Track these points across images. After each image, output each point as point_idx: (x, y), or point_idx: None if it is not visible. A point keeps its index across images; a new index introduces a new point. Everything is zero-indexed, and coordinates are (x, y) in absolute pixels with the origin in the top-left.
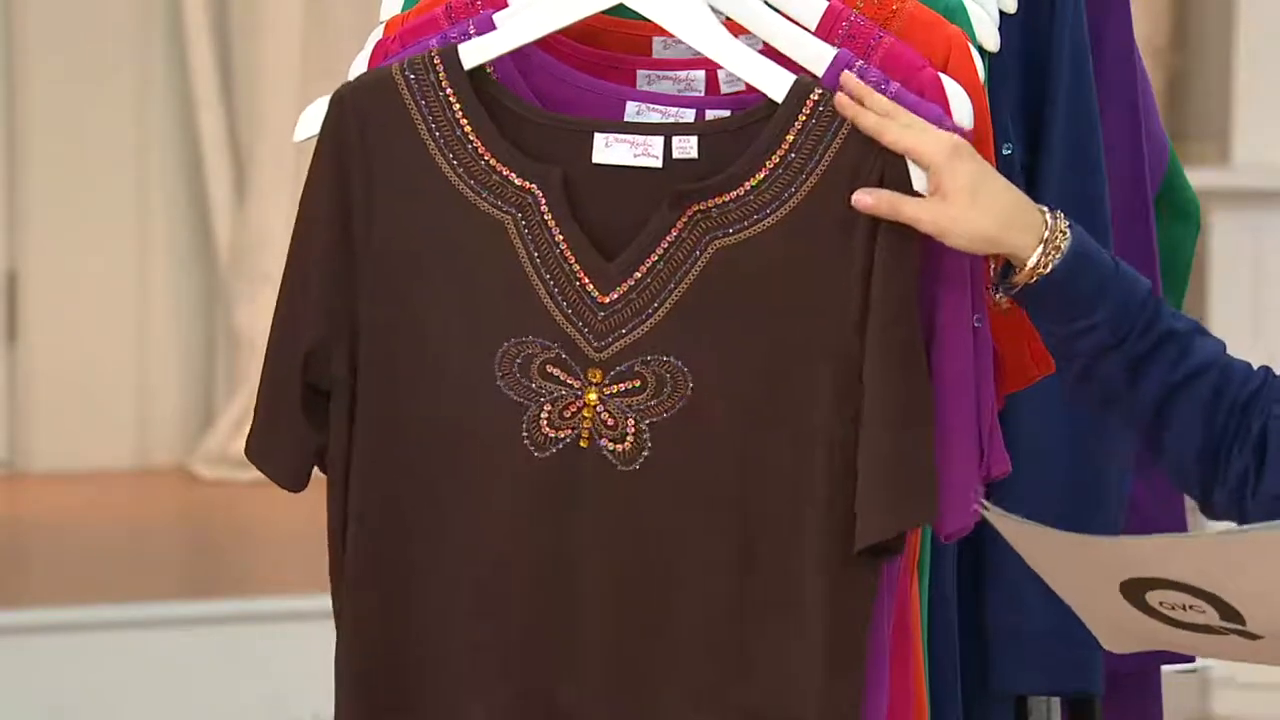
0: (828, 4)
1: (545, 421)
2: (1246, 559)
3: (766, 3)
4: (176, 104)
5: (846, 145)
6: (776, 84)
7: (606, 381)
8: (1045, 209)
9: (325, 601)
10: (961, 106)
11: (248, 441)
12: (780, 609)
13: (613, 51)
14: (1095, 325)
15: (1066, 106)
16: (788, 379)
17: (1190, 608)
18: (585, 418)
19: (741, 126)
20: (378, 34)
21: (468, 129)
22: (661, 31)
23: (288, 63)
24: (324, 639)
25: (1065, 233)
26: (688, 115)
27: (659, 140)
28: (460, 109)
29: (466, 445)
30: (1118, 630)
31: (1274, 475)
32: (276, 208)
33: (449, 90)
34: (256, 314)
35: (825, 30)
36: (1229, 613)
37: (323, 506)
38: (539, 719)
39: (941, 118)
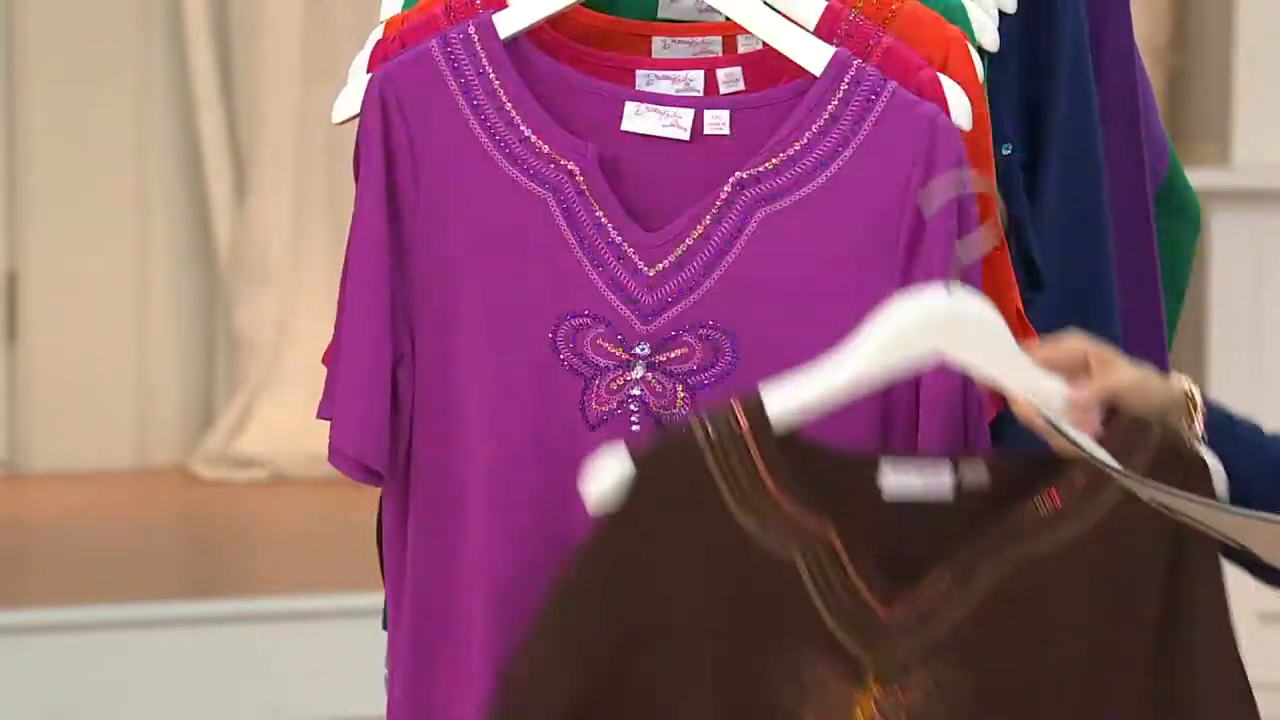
0: (827, 3)
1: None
2: None
3: (766, 3)
4: (176, 104)
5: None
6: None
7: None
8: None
9: (325, 601)
10: (960, 106)
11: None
12: None
13: (613, 52)
14: None
15: (1066, 107)
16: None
17: None
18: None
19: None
20: (378, 34)
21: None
22: (663, 30)
23: (288, 63)
24: (324, 639)
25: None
26: (686, 117)
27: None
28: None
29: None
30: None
31: None
32: (276, 208)
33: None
34: (256, 314)
35: (824, 30)
36: None
37: (324, 508)
38: None
39: (937, 114)
